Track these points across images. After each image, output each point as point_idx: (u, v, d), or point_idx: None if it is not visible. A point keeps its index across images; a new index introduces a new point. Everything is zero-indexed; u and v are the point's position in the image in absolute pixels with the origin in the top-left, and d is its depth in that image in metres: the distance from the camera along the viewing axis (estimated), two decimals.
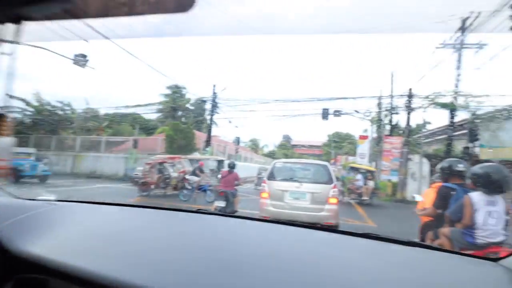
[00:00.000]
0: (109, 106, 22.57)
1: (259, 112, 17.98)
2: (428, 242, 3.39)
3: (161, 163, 13.37)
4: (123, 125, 32.18)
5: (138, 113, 32.00)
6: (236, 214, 6.45)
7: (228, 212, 6.84)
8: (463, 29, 14.80)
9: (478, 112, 13.89)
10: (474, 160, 13.98)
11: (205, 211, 1.82)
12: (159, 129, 28.79)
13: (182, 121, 37.08)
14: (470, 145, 13.89)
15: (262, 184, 6.36)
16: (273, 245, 1.22)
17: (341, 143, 63.17)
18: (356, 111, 20.07)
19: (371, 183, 13.29)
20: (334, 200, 5.79)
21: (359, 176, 13.44)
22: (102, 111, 28.03)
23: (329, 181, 5.98)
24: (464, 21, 14.67)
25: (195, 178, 11.28)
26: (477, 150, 14.01)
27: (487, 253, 2.55)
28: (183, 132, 18.17)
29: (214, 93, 18.66)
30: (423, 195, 4.24)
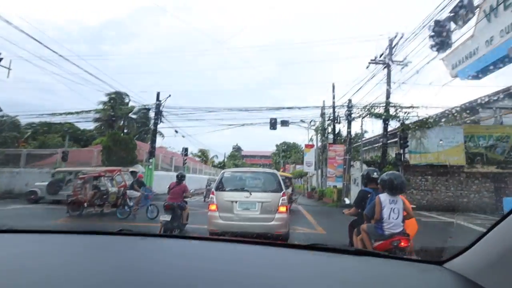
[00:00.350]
0: (31, 114, 19.36)
1: (208, 121, 17.28)
2: (354, 237, 4.05)
3: (96, 177, 11.87)
4: (51, 136, 28.38)
5: (72, 123, 28.61)
6: (168, 233, 5.82)
7: (175, 226, 6.69)
8: (390, 47, 16.58)
9: (406, 122, 15.50)
10: (405, 165, 15.53)
11: (129, 232, 1.58)
12: (97, 140, 26.02)
13: (125, 132, 34.31)
14: (401, 151, 15.35)
15: (210, 195, 6.09)
16: (211, 267, 1.09)
17: (289, 153, 65.58)
18: (302, 121, 20.88)
19: (289, 190, 13.60)
20: (284, 209, 5.68)
21: None
22: (24, 120, 24.30)
23: (278, 189, 5.87)
24: (391, 40, 16.47)
25: (134, 193, 10.19)
26: (407, 156, 15.55)
27: (392, 242, 3.21)
28: (123, 143, 16.56)
29: (158, 101, 17.53)
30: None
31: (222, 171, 6.74)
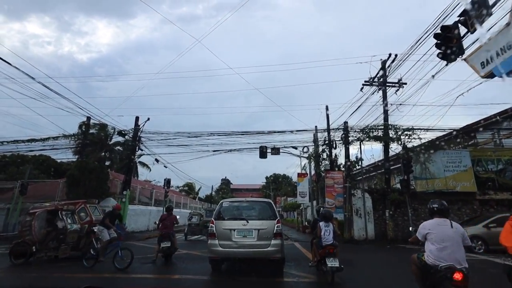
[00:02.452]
0: None
1: (191, 147, 15.55)
2: (312, 249, 6.62)
3: (52, 212, 9.50)
4: (25, 168, 25.71)
5: (47, 155, 26.14)
6: None
7: (173, 251, 8.12)
8: (383, 68, 15.88)
9: (409, 146, 14.25)
10: (411, 192, 13.96)
11: None
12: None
13: (107, 164, 31.72)
14: (405, 177, 13.87)
15: (210, 225, 6.34)
16: None
17: (279, 185, 63.50)
18: (294, 147, 19.42)
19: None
20: (279, 235, 6.05)
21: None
22: None
23: (273, 216, 6.23)
24: (384, 62, 15.83)
25: (104, 233, 7.74)
26: (412, 182, 14.08)
27: (325, 250, 5.50)
28: (94, 172, 14.46)
29: (137, 126, 15.84)
30: (504, 231, 3.73)
31: (221, 201, 7.00)
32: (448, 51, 8.07)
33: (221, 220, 6.21)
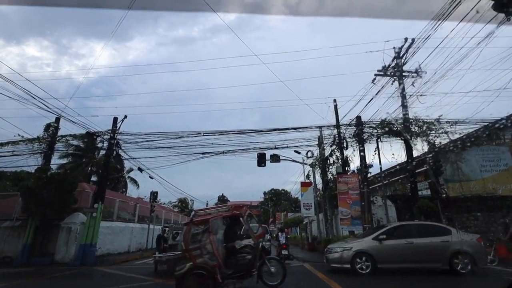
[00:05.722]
0: None
1: (177, 150, 13.04)
2: (277, 246, 13.82)
3: (234, 219, 6.25)
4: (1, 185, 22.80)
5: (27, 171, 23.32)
6: None
7: None
8: (397, 57, 13.85)
9: (435, 142, 11.92)
10: (443, 197, 11.51)
11: None
12: None
13: (93, 180, 28.84)
14: (434, 180, 11.47)
15: None
16: None
17: (278, 201, 60.66)
18: (297, 152, 17.03)
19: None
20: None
21: None
22: None
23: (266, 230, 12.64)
24: (399, 49, 13.82)
25: None
26: (443, 186, 11.65)
27: (282, 246, 11.60)
28: (56, 182, 11.84)
29: (114, 127, 13.40)
30: None
31: None
32: None
33: None
